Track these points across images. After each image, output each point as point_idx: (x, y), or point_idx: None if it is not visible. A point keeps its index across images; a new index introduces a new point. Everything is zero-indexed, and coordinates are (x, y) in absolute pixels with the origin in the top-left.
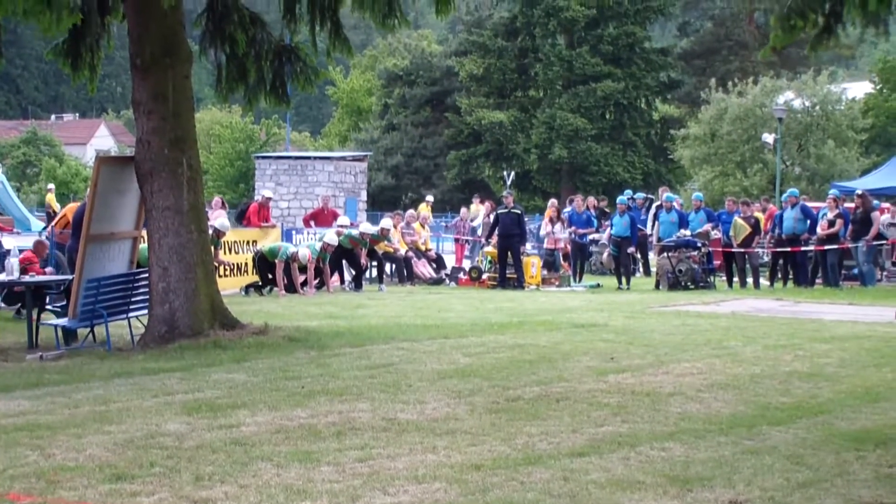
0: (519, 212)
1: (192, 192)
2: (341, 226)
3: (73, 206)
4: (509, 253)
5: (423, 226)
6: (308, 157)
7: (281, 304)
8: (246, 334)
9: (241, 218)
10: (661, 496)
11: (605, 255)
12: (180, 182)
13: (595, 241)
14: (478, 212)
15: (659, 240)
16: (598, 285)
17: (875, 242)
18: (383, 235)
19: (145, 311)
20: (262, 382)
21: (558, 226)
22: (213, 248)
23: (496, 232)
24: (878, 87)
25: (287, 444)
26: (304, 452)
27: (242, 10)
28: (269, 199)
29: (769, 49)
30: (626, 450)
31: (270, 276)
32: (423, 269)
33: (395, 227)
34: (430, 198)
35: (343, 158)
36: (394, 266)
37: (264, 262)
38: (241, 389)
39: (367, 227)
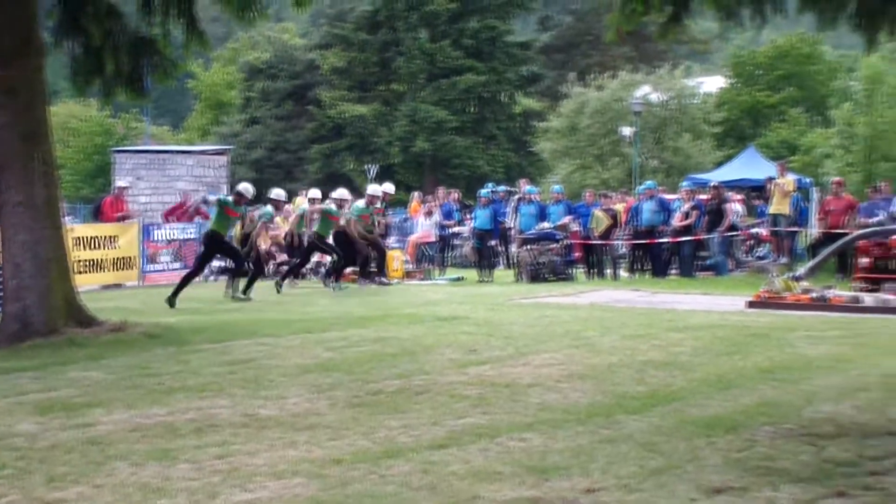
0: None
1: (46, 186)
2: (337, 199)
3: None
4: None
5: (284, 220)
6: (168, 151)
7: (139, 299)
8: (103, 331)
9: (97, 213)
10: (519, 486)
11: (468, 247)
12: (33, 177)
13: (458, 235)
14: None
15: (520, 232)
16: (461, 278)
17: (728, 234)
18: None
19: None
20: (119, 380)
21: (434, 218)
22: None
23: None
24: (731, 82)
25: (144, 442)
26: (161, 450)
27: (98, 2)
28: (124, 188)
29: (613, 32)
30: (486, 441)
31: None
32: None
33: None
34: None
35: (204, 152)
36: None
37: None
38: (97, 388)
39: (374, 189)
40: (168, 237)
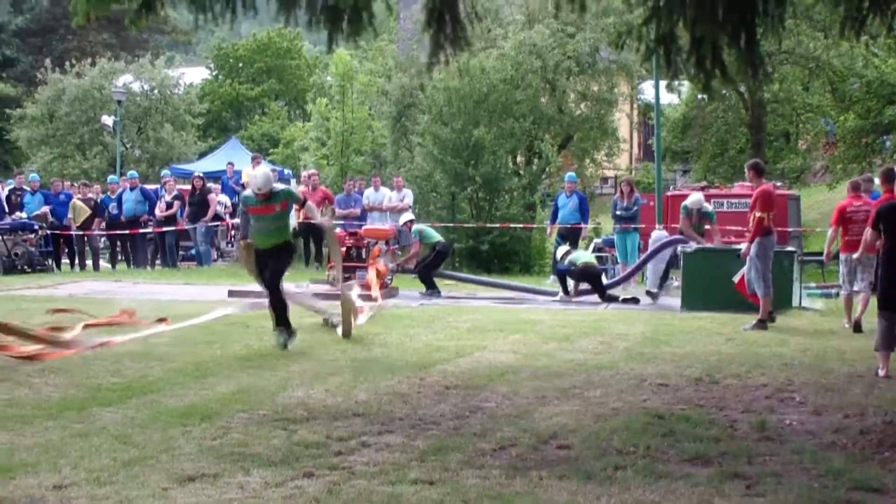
0: None
1: None
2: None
3: None
4: None
5: None
6: None
7: None
8: None
9: None
10: None
11: None
12: None
13: None
14: None
15: None
16: None
17: (212, 224)
18: None
19: None
20: None
21: None
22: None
23: None
24: (213, 74)
25: None
26: None
27: None
28: None
29: (82, 17)
30: None
31: None
32: None
33: None
34: None
35: None
36: None
37: None
38: None
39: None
40: None
